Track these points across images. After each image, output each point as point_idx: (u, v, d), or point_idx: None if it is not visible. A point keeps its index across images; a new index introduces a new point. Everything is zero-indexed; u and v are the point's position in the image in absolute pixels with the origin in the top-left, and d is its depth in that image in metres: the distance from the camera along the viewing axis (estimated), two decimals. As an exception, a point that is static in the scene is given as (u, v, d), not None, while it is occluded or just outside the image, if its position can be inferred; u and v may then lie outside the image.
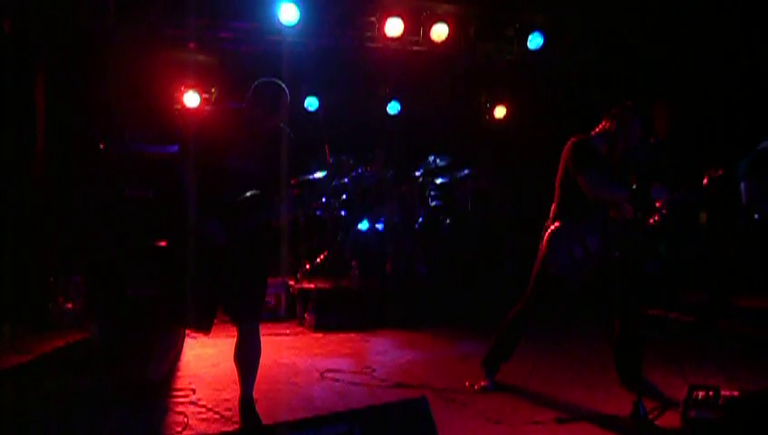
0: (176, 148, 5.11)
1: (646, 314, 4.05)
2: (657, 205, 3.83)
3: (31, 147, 6.47)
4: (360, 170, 7.86)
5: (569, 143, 3.99)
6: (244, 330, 3.54)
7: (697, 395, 3.62)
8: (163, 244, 4.15)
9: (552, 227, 3.89)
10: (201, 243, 3.32)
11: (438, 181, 8.47)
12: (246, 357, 3.57)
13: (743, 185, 5.51)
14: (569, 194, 3.95)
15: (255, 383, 3.63)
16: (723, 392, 3.61)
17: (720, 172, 3.72)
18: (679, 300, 7.33)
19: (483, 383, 4.14)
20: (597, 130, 4.09)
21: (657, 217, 3.83)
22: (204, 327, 3.53)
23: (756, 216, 5.39)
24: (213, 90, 8.66)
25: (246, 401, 3.55)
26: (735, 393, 3.64)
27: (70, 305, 6.38)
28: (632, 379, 3.83)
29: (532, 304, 4.06)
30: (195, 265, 3.35)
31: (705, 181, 3.77)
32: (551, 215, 4.03)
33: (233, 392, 4.14)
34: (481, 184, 8.59)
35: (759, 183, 5.42)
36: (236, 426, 3.56)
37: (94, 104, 7.07)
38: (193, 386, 4.26)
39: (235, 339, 3.55)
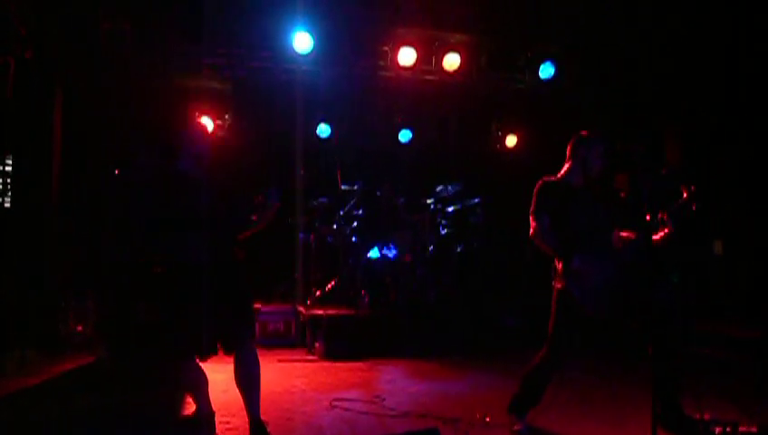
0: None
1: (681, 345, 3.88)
2: (661, 216, 3.78)
3: (47, 170, 6.55)
4: (371, 198, 7.89)
5: (539, 182, 3.97)
6: (242, 352, 3.63)
7: (714, 430, 3.56)
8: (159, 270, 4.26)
9: (563, 264, 3.78)
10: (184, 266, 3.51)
11: (449, 209, 8.47)
12: (249, 377, 3.63)
13: None
14: (563, 230, 3.87)
15: (266, 410, 3.70)
16: (741, 428, 3.56)
17: (693, 188, 3.74)
18: (693, 331, 7.24)
19: (516, 428, 3.87)
20: (564, 168, 4.06)
21: (665, 232, 3.76)
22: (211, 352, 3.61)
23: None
24: (226, 116, 8.74)
25: (257, 424, 3.58)
26: (754, 429, 3.58)
27: (80, 328, 6.39)
28: (670, 413, 3.72)
29: (558, 347, 3.84)
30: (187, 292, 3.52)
31: (684, 195, 3.78)
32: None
33: (243, 419, 4.11)
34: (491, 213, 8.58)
35: None
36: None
37: (110, 129, 7.15)
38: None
39: (239, 365, 3.62)
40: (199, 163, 3.84)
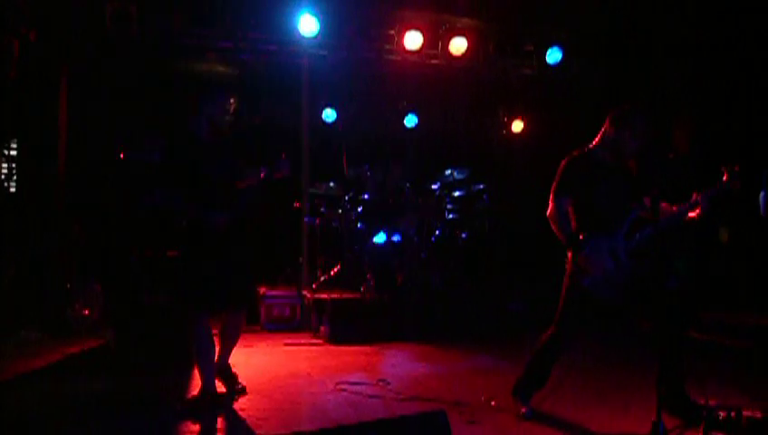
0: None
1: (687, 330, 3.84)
2: (694, 198, 3.74)
3: (53, 155, 6.55)
4: (376, 183, 7.87)
5: (564, 159, 3.85)
6: (235, 316, 4.26)
7: (719, 415, 3.57)
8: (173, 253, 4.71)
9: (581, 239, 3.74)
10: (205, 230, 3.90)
11: (455, 194, 8.45)
12: (234, 335, 4.33)
13: (762, 194, 5.50)
14: (585, 209, 3.85)
15: (271, 393, 4.15)
16: (745, 413, 3.56)
17: (737, 167, 3.67)
18: (698, 319, 7.23)
19: (522, 411, 3.86)
20: (597, 139, 3.92)
21: (698, 212, 3.72)
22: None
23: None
24: (232, 100, 8.70)
25: (226, 363, 4.30)
26: (758, 414, 3.58)
27: (86, 312, 6.42)
28: (675, 398, 3.70)
29: (565, 327, 3.83)
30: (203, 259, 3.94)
31: (725, 177, 3.72)
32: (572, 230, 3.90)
33: (249, 402, 4.14)
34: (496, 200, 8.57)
35: None
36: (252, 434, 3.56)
37: (114, 112, 7.15)
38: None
39: (225, 322, 4.26)
40: (214, 127, 4.16)
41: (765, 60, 7.39)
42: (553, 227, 3.79)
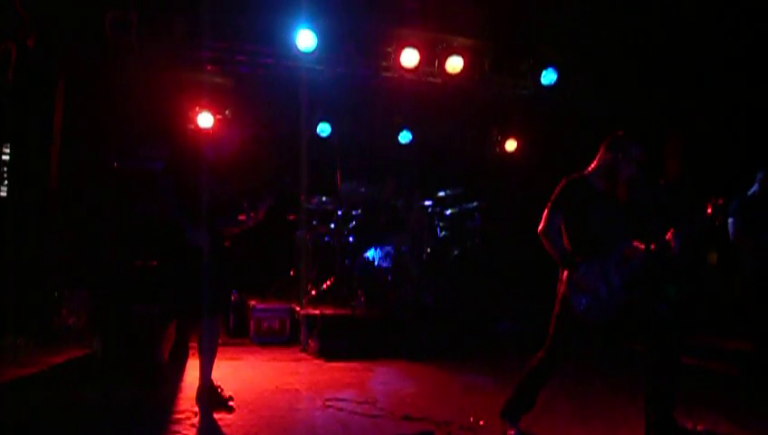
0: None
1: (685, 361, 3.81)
2: (668, 237, 3.76)
3: (46, 162, 6.53)
4: (369, 198, 7.89)
5: (562, 180, 3.88)
6: (209, 324, 4.20)
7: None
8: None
9: (567, 273, 3.73)
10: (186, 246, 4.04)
11: (448, 212, 8.47)
12: (211, 347, 4.24)
13: (730, 221, 5.63)
14: (577, 233, 3.85)
15: (258, 408, 4.11)
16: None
17: (721, 201, 3.68)
18: (686, 343, 7.26)
19: (510, 433, 3.84)
20: (593, 165, 3.96)
21: (671, 247, 3.74)
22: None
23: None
24: (227, 111, 8.73)
25: (209, 385, 4.20)
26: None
27: (73, 320, 6.37)
28: (664, 423, 3.68)
29: (554, 351, 3.82)
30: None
31: (709, 210, 3.72)
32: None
33: (236, 417, 4.11)
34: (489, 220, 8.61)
35: (744, 222, 5.57)
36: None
37: (110, 121, 7.13)
38: (195, 409, 4.21)
39: (201, 333, 4.22)
40: (197, 163, 4.28)
41: (755, 89, 7.50)
42: (545, 244, 3.80)
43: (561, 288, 3.78)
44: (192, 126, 8.03)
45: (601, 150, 3.93)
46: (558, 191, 3.83)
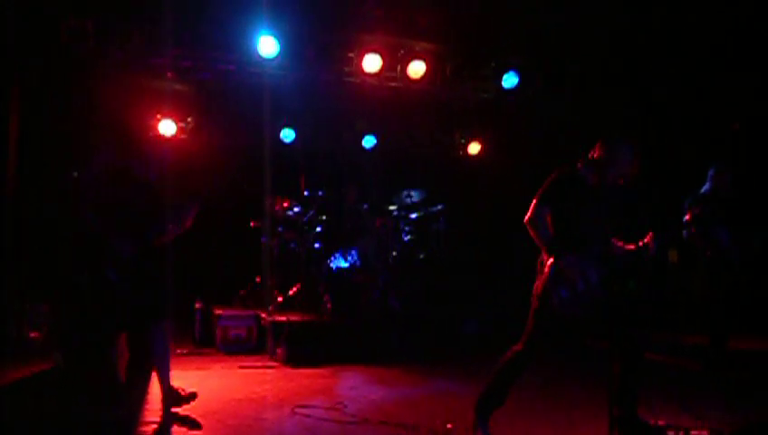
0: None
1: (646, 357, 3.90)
2: (647, 240, 3.83)
3: (2, 172, 6.37)
4: (334, 204, 7.89)
5: (554, 172, 3.91)
6: (155, 331, 4.21)
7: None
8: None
9: (552, 261, 3.73)
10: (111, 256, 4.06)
11: (412, 216, 8.52)
12: (161, 353, 4.25)
13: (685, 219, 5.77)
14: (563, 226, 3.86)
15: (226, 417, 4.14)
16: (693, 432, 3.66)
17: (698, 210, 3.76)
18: (647, 338, 7.41)
19: (478, 433, 3.85)
20: (584, 161, 4.00)
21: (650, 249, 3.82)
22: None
23: (685, 233, 5.58)
24: (189, 119, 8.65)
25: (170, 387, 4.25)
26: (705, 433, 3.69)
27: (33, 335, 6.23)
28: (627, 422, 3.74)
29: (532, 345, 3.84)
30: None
31: (687, 217, 3.80)
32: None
33: (204, 426, 4.08)
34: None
35: (697, 220, 5.60)
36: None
37: (69, 130, 7.00)
38: (158, 419, 4.16)
39: (149, 342, 4.23)
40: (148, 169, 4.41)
41: (722, 86, 7.70)
42: (531, 233, 3.79)
43: (540, 283, 3.80)
44: (154, 134, 7.95)
45: (597, 146, 3.98)
46: (548, 184, 3.85)
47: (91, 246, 4.21)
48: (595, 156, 3.96)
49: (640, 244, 3.82)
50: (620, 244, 3.92)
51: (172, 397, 4.30)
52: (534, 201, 3.82)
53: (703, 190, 5.86)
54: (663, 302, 8.21)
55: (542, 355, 3.89)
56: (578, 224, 3.81)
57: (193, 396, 4.39)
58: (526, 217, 3.82)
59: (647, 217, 3.96)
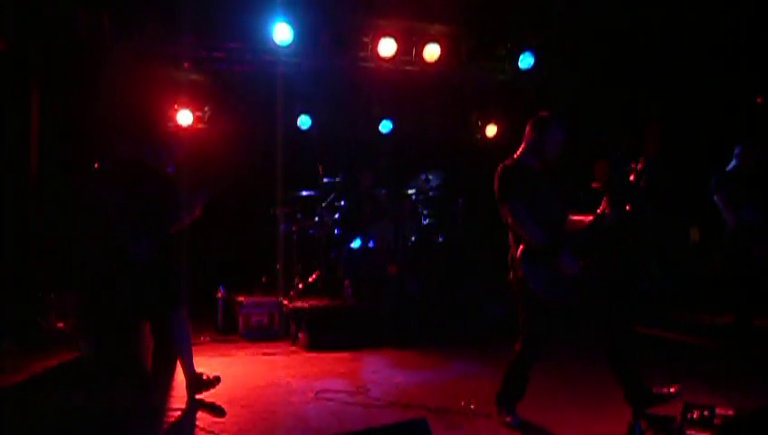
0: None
1: (635, 328, 3.93)
2: (602, 206, 3.78)
3: (25, 164, 6.45)
4: (351, 189, 7.91)
5: (496, 172, 3.88)
6: (175, 319, 4.30)
7: (692, 414, 3.64)
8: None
9: (521, 248, 3.73)
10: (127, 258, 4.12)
11: (431, 199, 8.50)
12: (183, 341, 4.37)
13: (716, 198, 5.71)
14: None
15: (251, 404, 4.17)
16: (718, 411, 3.64)
17: (640, 165, 3.72)
18: (671, 318, 7.38)
19: (508, 420, 3.87)
20: (521, 148, 4.00)
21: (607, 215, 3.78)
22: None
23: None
24: (206, 108, 8.70)
25: (194, 373, 4.36)
26: (731, 412, 3.67)
27: (61, 324, 6.33)
28: (636, 393, 3.78)
29: (532, 338, 3.83)
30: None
31: (632, 177, 3.76)
32: (511, 243, 3.89)
33: (229, 413, 4.13)
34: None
35: (726, 197, 5.63)
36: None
37: (88, 122, 7.06)
38: (185, 407, 4.23)
39: (171, 331, 4.34)
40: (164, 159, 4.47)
41: (731, 65, 7.58)
42: (521, 233, 3.74)
43: (516, 273, 3.78)
44: (172, 124, 7.99)
45: (527, 130, 4.00)
46: (500, 180, 3.83)
47: (114, 233, 4.25)
48: (528, 140, 3.97)
49: (598, 212, 3.79)
50: (578, 217, 3.91)
51: (196, 383, 4.36)
52: (504, 203, 3.78)
53: (729, 168, 5.79)
54: (685, 281, 8.15)
55: (549, 348, 3.89)
56: (535, 211, 3.76)
57: (217, 380, 4.43)
58: (509, 221, 3.77)
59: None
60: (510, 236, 3.92)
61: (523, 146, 4.02)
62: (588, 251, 3.79)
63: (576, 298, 3.74)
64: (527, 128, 4.01)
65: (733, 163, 5.81)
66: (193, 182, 4.54)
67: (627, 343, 3.83)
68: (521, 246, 3.74)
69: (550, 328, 3.87)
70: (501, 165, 3.91)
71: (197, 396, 4.37)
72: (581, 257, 3.74)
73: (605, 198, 3.77)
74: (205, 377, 4.42)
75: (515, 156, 3.99)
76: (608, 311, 3.78)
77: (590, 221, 3.82)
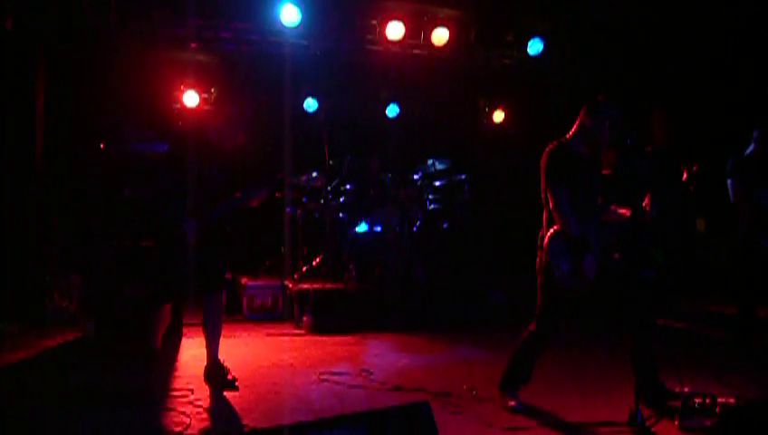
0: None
1: (654, 321, 3.92)
2: (645, 203, 3.77)
3: (30, 145, 6.47)
4: (357, 173, 7.89)
5: (546, 150, 3.83)
6: (210, 302, 4.25)
7: (694, 402, 3.66)
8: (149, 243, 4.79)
9: (551, 233, 3.71)
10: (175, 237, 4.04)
11: (437, 184, 8.49)
12: (215, 323, 4.28)
13: (729, 182, 5.59)
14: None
15: (254, 384, 4.17)
16: (719, 400, 3.65)
17: (696, 167, 3.70)
18: (675, 307, 7.37)
19: (511, 404, 3.87)
20: (573, 130, 3.92)
21: (647, 212, 3.75)
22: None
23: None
24: (212, 90, 8.66)
25: (216, 361, 4.26)
26: (732, 401, 3.68)
27: (65, 304, 6.38)
28: (653, 392, 3.78)
29: (547, 322, 3.83)
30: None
31: (684, 176, 3.75)
32: (543, 223, 3.87)
33: (233, 393, 4.16)
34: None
35: (743, 182, 5.49)
36: (236, 426, 3.57)
37: (94, 103, 7.06)
38: (191, 386, 4.26)
39: (204, 310, 4.26)
40: (184, 144, 4.33)
41: (739, 56, 7.51)
42: (557, 218, 3.69)
43: (542, 257, 3.78)
44: (178, 105, 7.97)
45: (581, 115, 3.90)
46: (549, 163, 3.77)
47: (151, 217, 4.28)
48: (584, 124, 3.87)
49: (629, 211, 3.77)
50: (618, 209, 3.87)
51: (216, 373, 4.27)
52: (549, 186, 3.73)
53: (747, 152, 5.64)
54: (690, 271, 8.13)
55: (560, 333, 3.89)
56: (576, 196, 3.73)
57: (234, 386, 4.25)
58: (552, 205, 3.72)
59: (659, 184, 3.87)
60: (544, 216, 3.87)
61: (574, 129, 3.91)
62: (621, 244, 3.78)
63: (592, 290, 3.70)
64: (582, 112, 3.89)
65: (751, 147, 5.63)
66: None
67: (649, 336, 3.80)
68: (551, 230, 3.70)
69: (565, 314, 3.86)
70: (550, 146, 3.83)
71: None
72: (615, 250, 3.73)
73: (648, 195, 3.73)
74: (230, 376, 4.27)
75: (564, 139, 3.90)
76: (635, 304, 3.75)
77: (630, 215, 3.78)
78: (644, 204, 3.79)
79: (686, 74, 8.18)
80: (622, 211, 3.87)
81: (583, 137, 3.88)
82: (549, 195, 3.74)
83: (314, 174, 7.77)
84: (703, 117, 8.16)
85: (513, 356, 3.96)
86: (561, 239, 3.68)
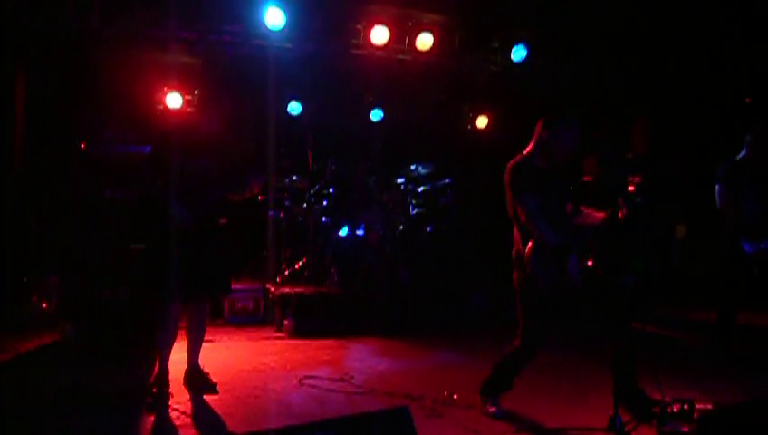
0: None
1: (635, 328, 3.94)
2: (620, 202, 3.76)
3: (9, 146, 6.39)
4: (341, 177, 7.88)
5: (508, 166, 3.84)
6: (199, 307, 4.28)
7: (672, 408, 3.69)
8: (139, 247, 4.73)
9: (530, 246, 3.68)
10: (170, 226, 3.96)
11: (420, 189, 8.50)
12: (200, 330, 4.30)
13: (717, 187, 5.60)
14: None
15: (234, 388, 4.18)
16: (697, 405, 3.68)
17: (638, 179, 3.71)
18: (655, 313, 7.43)
19: (491, 410, 3.89)
20: (531, 144, 3.93)
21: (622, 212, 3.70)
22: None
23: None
24: (195, 92, 8.60)
25: (197, 367, 4.27)
26: (710, 406, 3.71)
27: (44, 305, 6.30)
28: (632, 398, 3.81)
29: (530, 339, 3.81)
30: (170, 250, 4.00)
31: (631, 188, 3.75)
32: (515, 240, 3.87)
33: (213, 397, 4.13)
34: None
35: (732, 189, 5.50)
36: (216, 430, 3.54)
37: (75, 104, 6.99)
38: (171, 390, 4.21)
39: (189, 315, 4.27)
40: (168, 145, 4.31)
41: (721, 63, 7.61)
42: (532, 230, 3.69)
43: (522, 271, 3.75)
44: (161, 107, 7.92)
45: (538, 129, 3.91)
46: (513, 177, 3.79)
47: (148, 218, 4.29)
48: (538, 139, 3.88)
49: (610, 211, 3.76)
50: (591, 211, 3.88)
51: (195, 377, 4.27)
52: (518, 198, 3.74)
53: (739, 156, 5.62)
54: (670, 277, 8.20)
55: (544, 348, 3.89)
56: (546, 206, 3.74)
57: (214, 390, 4.25)
58: (521, 217, 3.72)
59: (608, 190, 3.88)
60: (515, 233, 3.87)
61: (532, 143, 3.93)
62: (597, 248, 3.78)
63: (578, 294, 3.73)
64: (538, 126, 3.91)
65: (743, 152, 5.63)
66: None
67: (629, 342, 3.82)
68: (529, 244, 3.69)
69: (550, 327, 3.86)
70: (511, 162, 3.84)
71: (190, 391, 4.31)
72: (590, 254, 3.73)
73: (620, 197, 3.73)
74: (213, 381, 4.27)
75: (524, 154, 3.91)
76: (615, 310, 3.78)
77: (604, 218, 3.77)
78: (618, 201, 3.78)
79: (671, 80, 8.27)
80: (597, 214, 3.86)
81: (541, 150, 3.88)
82: (518, 209, 3.75)
83: (294, 177, 7.77)
84: (683, 126, 8.25)
85: (499, 364, 3.96)
86: (541, 249, 3.67)
